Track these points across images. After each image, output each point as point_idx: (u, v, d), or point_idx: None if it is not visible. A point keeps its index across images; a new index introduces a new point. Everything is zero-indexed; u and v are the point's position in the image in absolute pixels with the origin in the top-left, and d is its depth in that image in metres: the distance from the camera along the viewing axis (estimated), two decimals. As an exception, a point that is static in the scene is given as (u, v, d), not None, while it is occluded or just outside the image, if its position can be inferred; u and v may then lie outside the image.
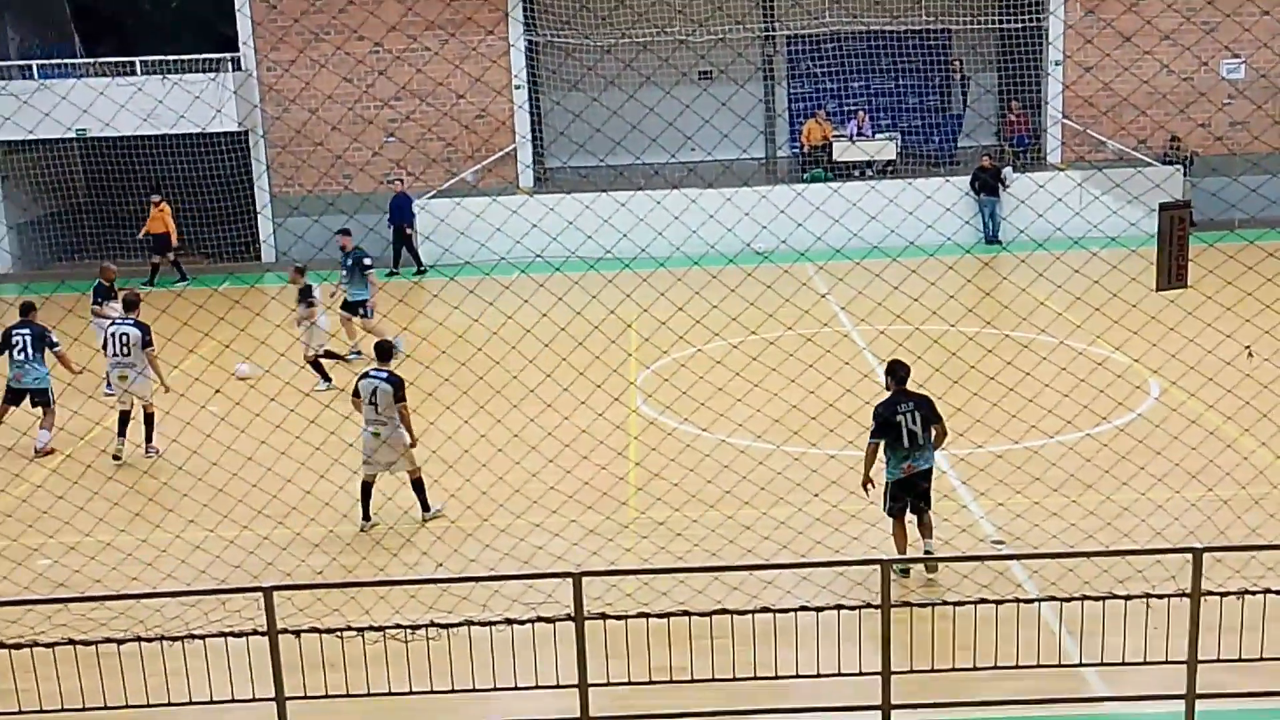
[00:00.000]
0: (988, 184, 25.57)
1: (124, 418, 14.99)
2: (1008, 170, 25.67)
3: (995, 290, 20.71)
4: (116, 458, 14.93)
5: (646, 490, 13.17)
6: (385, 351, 13.34)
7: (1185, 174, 25.81)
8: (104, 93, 24.62)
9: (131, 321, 14.86)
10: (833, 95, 28.54)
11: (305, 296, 17.74)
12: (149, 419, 15.12)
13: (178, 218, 25.99)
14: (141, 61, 25.64)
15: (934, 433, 11.30)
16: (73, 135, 25.25)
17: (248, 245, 27.01)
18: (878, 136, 27.39)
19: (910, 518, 11.38)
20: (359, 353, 18.84)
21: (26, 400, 15.66)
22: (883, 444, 11.17)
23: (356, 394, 12.99)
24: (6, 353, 15.41)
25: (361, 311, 19.20)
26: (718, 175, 24.35)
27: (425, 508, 13.07)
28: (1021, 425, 13.51)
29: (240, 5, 26.50)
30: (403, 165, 26.74)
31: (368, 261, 19.25)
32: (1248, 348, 15.22)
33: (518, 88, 26.83)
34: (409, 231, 25.53)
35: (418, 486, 13.06)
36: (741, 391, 14.73)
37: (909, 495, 11.24)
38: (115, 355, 14.81)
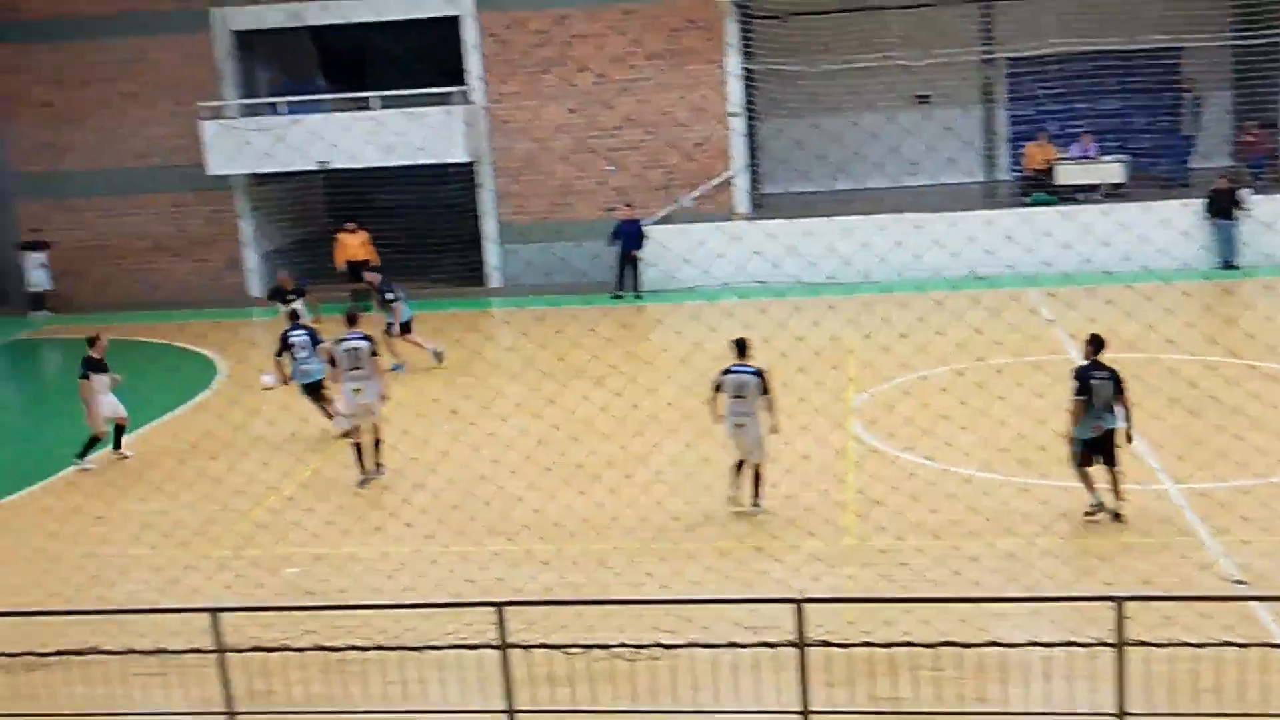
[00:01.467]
0: (1223, 207, 24.47)
1: (358, 449, 15.12)
2: (1245, 192, 24.51)
3: (1237, 318, 19.81)
4: (362, 484, 15.12)
5: (868, 518, 13.10)
6: None
7: None
8: (344, 128, 26.06)
9: (359, 335, 15.45)
10: (1055, 117, 27.85)
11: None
12: (376, 444, 15.32)
13: (409, 245, 27.10)
14: (379, 97, 26.90)
15: (1122, 400, 12.50)
16: (316, 167, 26.67)
17: (475, 271, 27.98)
18: (1104, 159, 26.55)
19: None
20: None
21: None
22: (1078, 402, 12.40)
23: (718, 387, 13.18)
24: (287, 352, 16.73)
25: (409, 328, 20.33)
26: (940, 201, 23.95)
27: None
28: (1270, 460, 12.90)
29: (470, 41, 27.51)
30: (624, 194, 27.27)
31: (389, 295, 20.37)
32: None
33: (735, 115, 27.08)
34: (637, 257, 26.01)
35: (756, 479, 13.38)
36: (966, 419, 14.52)
37: (1096, 453, 12.44)
38: (349, 370, 15.13)
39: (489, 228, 27.94)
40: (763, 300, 24.39)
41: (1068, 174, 26.34)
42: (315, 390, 16.76)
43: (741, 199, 27.21)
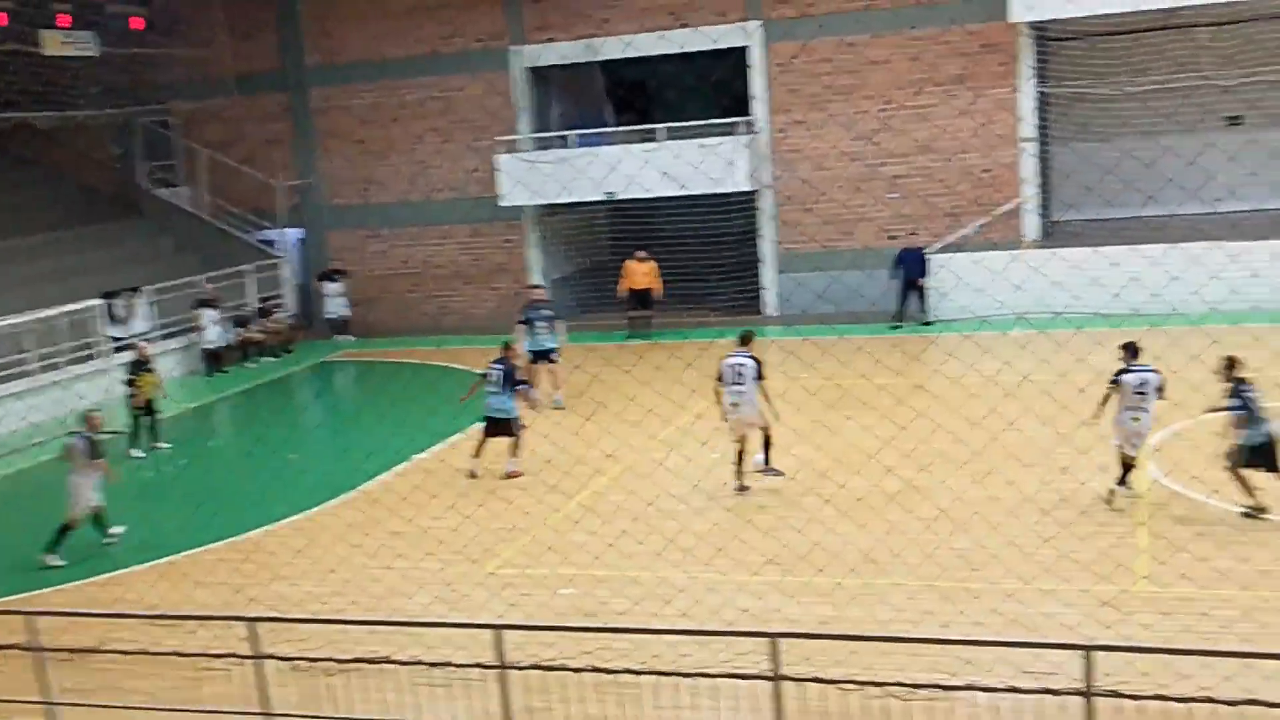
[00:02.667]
0: None
1: (739, 455, 15.61)
2: None
3: None
4: (744, 488, 15.55)
5: (1169, 564, 12.32)
6: None
7: None
8: (630, 160, 26.67)
9: (749, 355, 15.58)
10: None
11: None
12: (766, 441, 15.67)
13: (690, 273, 27.46)
14: (665, 128, 27.40)
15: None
16: (603, 198, 27.40)
17: (752, 298, 28.05)
18: None
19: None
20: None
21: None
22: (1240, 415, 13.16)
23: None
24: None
25: (552, 358, 20.89)
26: (1260, 228, 22.37)
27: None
28: None
29: (757, 70, 27.67)
30: (909, 221, 26.82)
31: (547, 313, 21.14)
32: None
33: (1028, 140, 26.19)
34: (921, 284, 25.55)
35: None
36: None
37: (1260, 460, 13.22)
38: (731, 384, 15.49)
39: (768, 255, 27.97)
40: (1059, 332, 23.47)
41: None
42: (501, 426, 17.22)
43: (1031, 226, 26.27)
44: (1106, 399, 13.87)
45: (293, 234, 31.70)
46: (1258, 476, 13.34)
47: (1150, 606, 11.50)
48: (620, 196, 27.14)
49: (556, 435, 17.69)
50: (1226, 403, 13.40)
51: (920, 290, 25.49)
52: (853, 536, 13.44)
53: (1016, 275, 23.45)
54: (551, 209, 29.10)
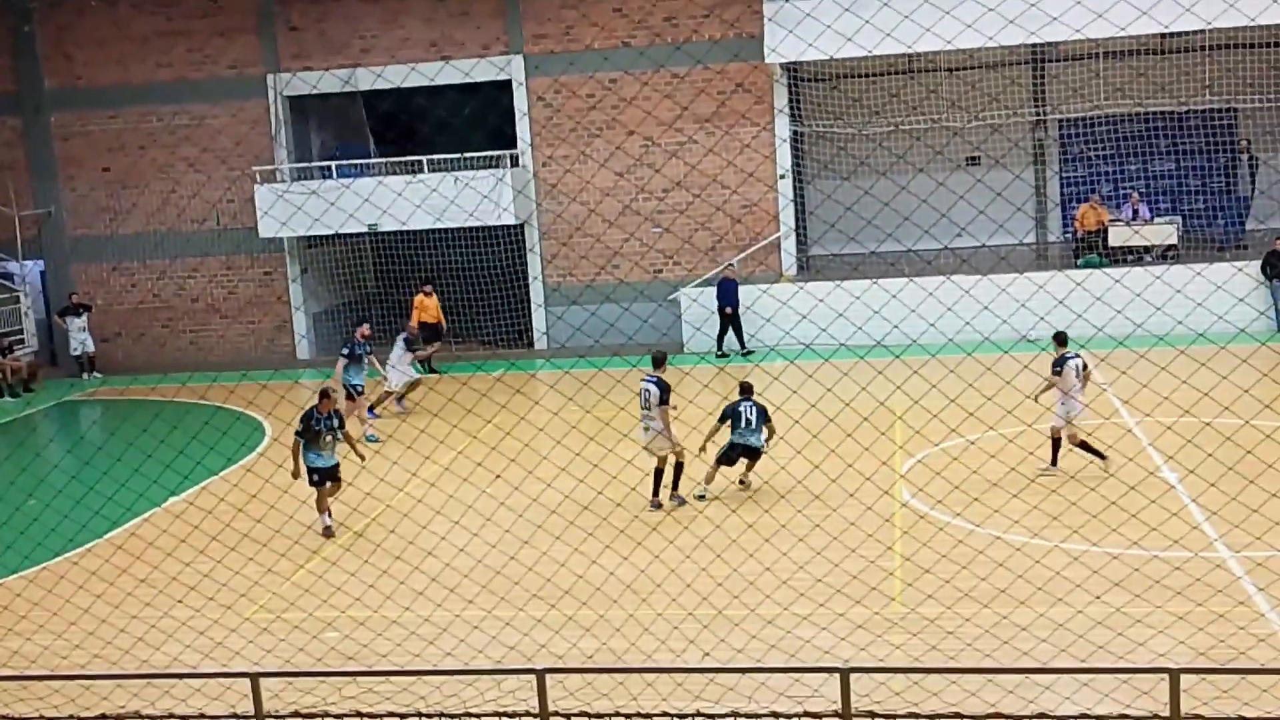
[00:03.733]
0: (1280, 269, 24.19)
1: (656, 474, 16.12)
2: (1304, 254, 24.20)
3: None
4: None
5: (916, 586, 12.87)
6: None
7: None
8: (395, 191, 26.38)
9: (654, 379, 15.96)
10: (1108, 178, 27.67)
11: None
12: (678, 467, 16.14)
13: (459, 307, 27.29)
14: (428, 160, 27.21)
15: None
16: (365, 230, 26.96)
17: (521, 334, 28.09)
18: (1157, 220, 26.30)
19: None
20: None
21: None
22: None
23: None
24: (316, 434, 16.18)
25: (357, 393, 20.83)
26: (992, 264, 23.93)
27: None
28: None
29: (521, 105, 27.85)
30: (672, 257, 27.39)
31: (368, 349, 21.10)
32: None
33: (783, 178, 27.13)
34: (734, 315, 26.02)
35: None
36: (1016, 486, 14.28)
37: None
38: (642, 407, 16.03)
39: (536, 291, 28.06)
40: (810, 362, 24.26)
41: (1120, 236, 26.10)
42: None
43: (789, 262, 27.18)
44: (1048, 387, 16.22)
45: (34, 266, 30.01)
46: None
47: (901, 627, 11.98)
48: (384, 229, 26.78)
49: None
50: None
51: (735, 320, 25.94)
52: (617, 569, 13.53)
53: (769, 309, 24.24)
54: (313, 241, 28.46)
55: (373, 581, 13.54)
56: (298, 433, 16.00)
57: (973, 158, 28.52)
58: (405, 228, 26.21)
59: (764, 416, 16.25)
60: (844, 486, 14.09)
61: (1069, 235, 27.59)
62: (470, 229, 26.76)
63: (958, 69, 27.05)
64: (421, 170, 27.06)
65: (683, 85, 27.32)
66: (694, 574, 13.31)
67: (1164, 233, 26.02)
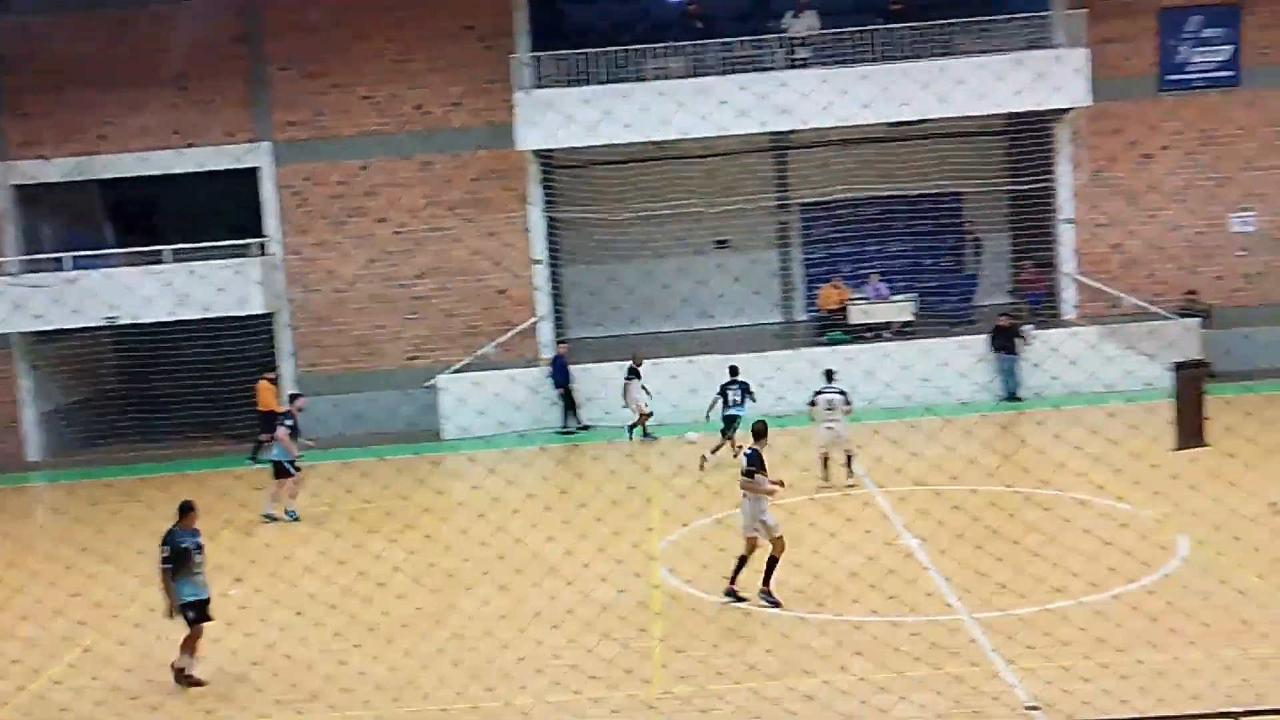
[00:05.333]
0: (1006, 343, 25.66)
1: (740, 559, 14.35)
2: (1028, 328, 25.77)
3: (1017, 450, 20.58)
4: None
5: (670, 666, 12.95)
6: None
7: (1204, 326, 25.83)
8: (134, 282, 25.34)
9: (751, 450, 14.25)
10: (848, 259, 28.92)
11: None
12: (771, 560, 14.17)
13: (207, 400, 26.25)
14: (173, 250, 26.27)
15: None
16: (102, 323, 25.76)
17: (271, 426, 27.19)
18: (895, 298, 27.61)
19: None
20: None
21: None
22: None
23: None
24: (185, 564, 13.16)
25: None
26: (738, 342, 24.69)
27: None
28: (1049, 587, 13.29)
29: (268, 193, 27.29)
30: (426, 343, 27.20)
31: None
32: (1273, 503, 15.03)
33: (538, 263, 27.36)
34: (563, 391, 25.69)
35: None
36: (763, 561, 14.58)
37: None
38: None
39: (289, 378, 27.34)
40: (559, 447, 24.41)
41: (860, 314, 27.26)
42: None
43: (546, 346, 27.32)
44: (813, 417, 18.67)
45: None
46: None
47: (658, 709, 12.00)
48: (125, 321, 25.67)
49: (38, 589, 16.14)
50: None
51: (571, 398, 25.65)
52: (367, 667, 13.16)
53: (520, 395, 24.32)
54: (44, 336, 27.00)
55: (102, 698, 12.72)
56: (165, 560, 13.01)
57: (721, 241, 29.42)
58: (143, 321, 25.19)
59: (745, 390, 20.94)
60: (597, 570, 14.15)
61: (813, 314, 28.63)
62: (218, 319, 25.88)
63: (704, 156, 27.92)
64: (161, 260, 26.08)
65: (435, 172, 27.34)
66: (446, 669, 13.05)
67: (901, 310, 27.32)
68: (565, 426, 25.52)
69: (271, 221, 27.32)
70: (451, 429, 25.77)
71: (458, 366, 26.53)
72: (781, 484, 14.26)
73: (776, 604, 13.95)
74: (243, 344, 26.57)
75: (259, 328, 26.92)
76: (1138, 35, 26.92)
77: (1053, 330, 25.82)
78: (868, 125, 26.12)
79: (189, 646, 13.07)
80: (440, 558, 16.04)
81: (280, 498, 19.62)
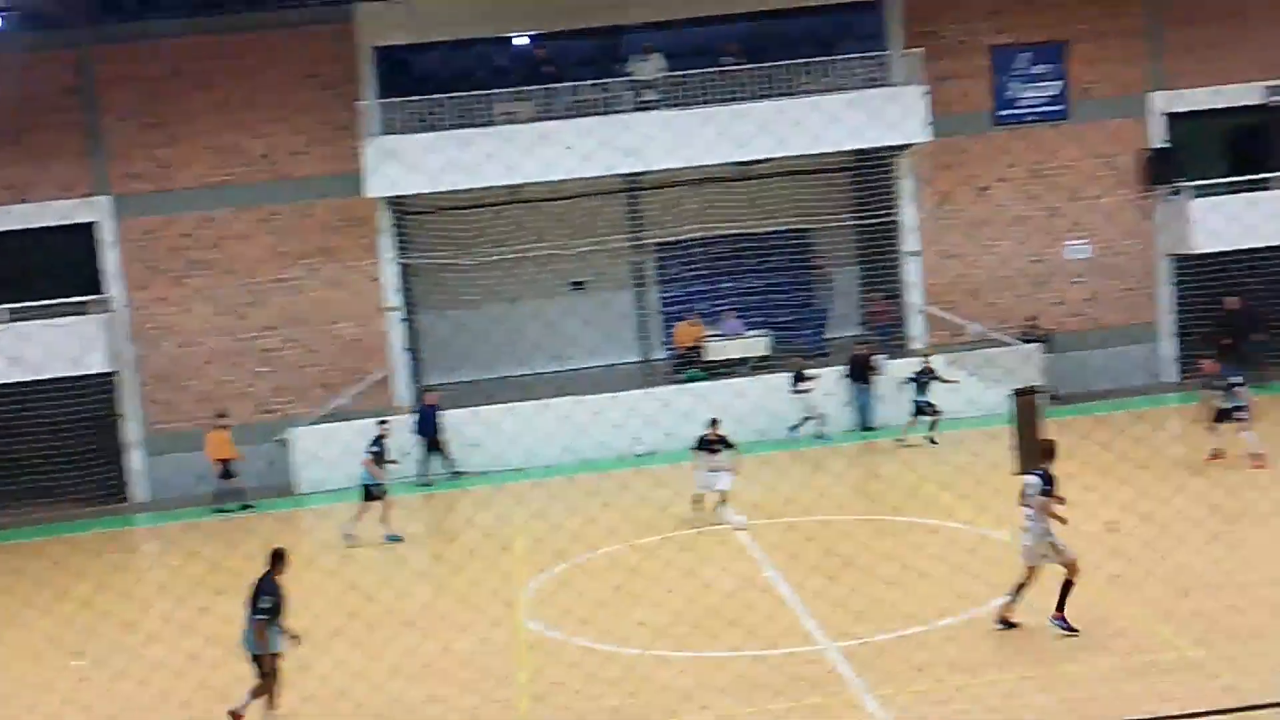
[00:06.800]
0: (860, 373, 26.15)
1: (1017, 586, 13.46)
2: (880, 358, 26.30)
3: (873, 478, 20.97)
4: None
5: (533, 713, 12.80)
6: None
7: (1045, 351, 26.69)
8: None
9: (1039, 471, 13.37)
10: (703, 296, 29.19)
11: None
12: (1065, 584, 13.30)
13: (48, 463, 25.25)
14: (8, 309, 25.27)
15: None
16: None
17: (117, 487, 26.30)
18: (749, 334, 27.94)
19: None
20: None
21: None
22: None
23: None
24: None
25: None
26: (597, 382, 24.69)
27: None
28: (904, 614, 13.52)
29: (108, 246, 26.52)
30: (281, 394, 26.70)
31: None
32: (1109, 523, 15.58)
33: (393, 309, 27.05)
34: (438, 442, 25.15)
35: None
36: (629, 601, 14.56)
37: None
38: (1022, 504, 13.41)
39: (135, 438, 26.51)
40: (419, 495, 24.08)
41: (717, 350, 27.53)
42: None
43: (403, 392, 26.98)
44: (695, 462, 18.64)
45: None
46: None
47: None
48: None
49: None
50: None
51: (439, 446, 25.13)
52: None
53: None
54: None
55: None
56: (266, 610, 12.54)
57: (577, 282, 29.46)
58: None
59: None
60: (458, 620, 13.96)
61: (671, 351, 28.78)
62: (57, 380, 24.93)
63: (555, 199, 27.95)
64: (-2, 320, 25.07)
65: (282, 222, 26.88)
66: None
67: (756, 345, 27.66)
68: (424, 475, 25.17)
69: (112, 277, 26.53)
70: (305, 483, 25.23)
71: (311, 420, 26.01)
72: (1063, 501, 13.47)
73: (1074, 630, 13.15)
74: (84, 404, 25.66)
75: (100, 387, 26.01)
76: (972, 73, 27.85)
77: (900, 360, 26.38)
78: (714, 165, 26.51)
79: (264, 694, 12.60)
80: (319, 615, 15.62)
81: (364, 519, 20.09)
